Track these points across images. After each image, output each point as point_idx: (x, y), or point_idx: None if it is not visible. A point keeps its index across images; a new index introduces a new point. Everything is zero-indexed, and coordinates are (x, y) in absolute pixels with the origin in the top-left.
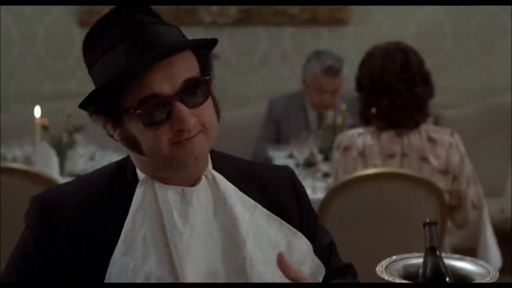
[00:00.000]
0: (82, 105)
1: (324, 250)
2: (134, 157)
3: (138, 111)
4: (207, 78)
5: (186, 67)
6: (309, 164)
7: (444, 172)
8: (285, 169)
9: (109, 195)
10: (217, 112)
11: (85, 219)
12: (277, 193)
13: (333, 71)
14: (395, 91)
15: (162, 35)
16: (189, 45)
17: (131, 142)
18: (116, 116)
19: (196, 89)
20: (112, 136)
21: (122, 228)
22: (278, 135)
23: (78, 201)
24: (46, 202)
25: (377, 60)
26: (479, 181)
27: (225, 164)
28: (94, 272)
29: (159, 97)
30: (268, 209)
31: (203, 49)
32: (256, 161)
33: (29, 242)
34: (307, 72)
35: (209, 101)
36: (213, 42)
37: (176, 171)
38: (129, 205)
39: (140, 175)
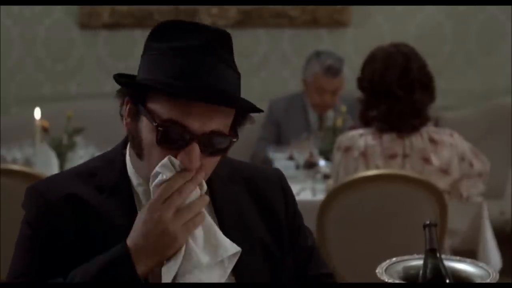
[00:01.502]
0: (119, 78)
1: (304, 251)
2: (134, 157)
3: (160, 128)
4: (234, 140)
5: (223, 119)
6: (309, 165)
7: (446, 172)
8: (275, 171)
9: (98, 186)
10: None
11: (77, 207)
12: (265, 193)
13: (333, 71)
14: (393, 96)
15: (225, 79)
16: (242, 105)
17: (135, 141)
18: (137, 109)
19: (218, 143)
20: (122, 116)
21: (108, 214)
22: (279, 136)
23: (70, 189)
24: (40, 190)
25: (378, 63)
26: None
27: (219, 167)
28: (92, 254)
29: (185, 130)
30: (255, 207)
31: (247, 111)
32: (247, 162)
33: (33, 222)
34: (307, 72)
35: (219, 156)
36: (258, 111)
37: None
38: (117, 195)
39: (132, 173)
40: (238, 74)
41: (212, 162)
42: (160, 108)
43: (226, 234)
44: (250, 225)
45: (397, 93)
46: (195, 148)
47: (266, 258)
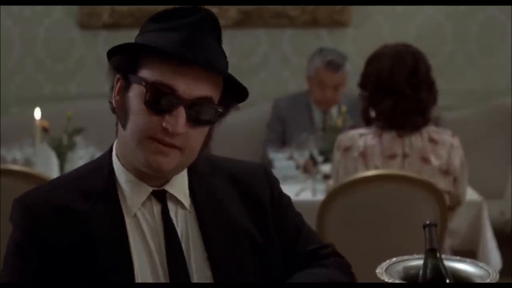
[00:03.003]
0: (113, 50)
1: (292, 230)
2: (119, 143)
3: (149, 87)
4: (219, 109)
5: (210, 87)
6: (309, 166)
7: (445, 172)
8: (259, 163)
9: (85, 192)
10: (205, 144)
11: (65, 216)
12: (249, 183)
13: (334, 66)
14: (400, 94)
15: (215, 53)
16: (229, 77)
17: (122, 113)
18: (128, 80)
19: (204, 111)
20: (111, 103)
21: (96, 222)
22: (284, 134)
23: (57, 199)
24: (28, 202)
25: (386, 60)
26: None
27: (199, 162)
28: (83, 265)
29: (174, 94)
30: (239, 199)
31: (233, 92)
32: (229, 158)
33: (20, 241)
34: (310, 68)
35: (205, 129)
36: (244, 94)
37: (142, 167)
38: (104, 202)
39: (118, 170)
40: (226, 58)
41: (197, 134)
42: (150, 71)
43: (205, 227)
44: (232, 215)
45: (404, 91)
46: (181, 112)
47: (252, 249)
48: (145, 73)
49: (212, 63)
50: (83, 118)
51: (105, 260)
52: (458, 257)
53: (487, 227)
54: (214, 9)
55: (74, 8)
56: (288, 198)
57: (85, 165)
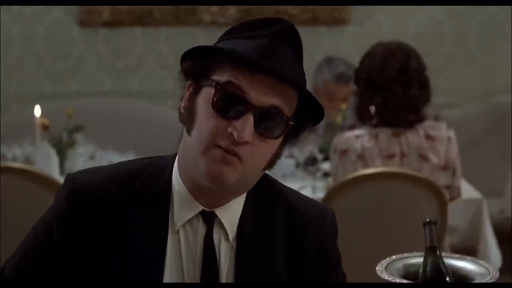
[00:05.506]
0: (186, 54)
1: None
2: (182, 151)
3: (219, 87)
4: (290, 122)
5: (283, 99)
6: (309, 163)
7: (445, 167)
8: (328, 209)
9: (138, 193)
10: (270, 164)
11: (109, 212)
12: (303, 224)
13: (344, 79)
14: (389, 91)
15: (293, 64)
16: (303, 90)
17: (189, 118)
18: (199, 84)
19: (273, 122)
20: (179, 112)
21: (139, 229)
22: None
23: (107, 192)
24: (77, 186)
25: (378, 57)
26: None
27: (263, 191)
28: (105, 266)
29: (243, 98)
30: (285, 233)
31: (308, 111)
32: (298, 192)
33: (52, 221)
34: (317, 79)
35: (273, 144)
36: (320, 113)
37: (202, 178)
38: (153, 210)
39: (175, 179)
40: (303, 74)
41: (264, 147)
42: (222, 76)
43: (241, 266)
44: (272, 254)
45: (393, 88)
46: (250, 119)
47: None
48: (217, 76)
49: (284, 73)
50: (83, 116)
51: (133, 273)
52: (458, 255)
53: (487, 225)
54: (214, 7)
55: (74, 6)
56: (339, 257)
57: (150, 161)
